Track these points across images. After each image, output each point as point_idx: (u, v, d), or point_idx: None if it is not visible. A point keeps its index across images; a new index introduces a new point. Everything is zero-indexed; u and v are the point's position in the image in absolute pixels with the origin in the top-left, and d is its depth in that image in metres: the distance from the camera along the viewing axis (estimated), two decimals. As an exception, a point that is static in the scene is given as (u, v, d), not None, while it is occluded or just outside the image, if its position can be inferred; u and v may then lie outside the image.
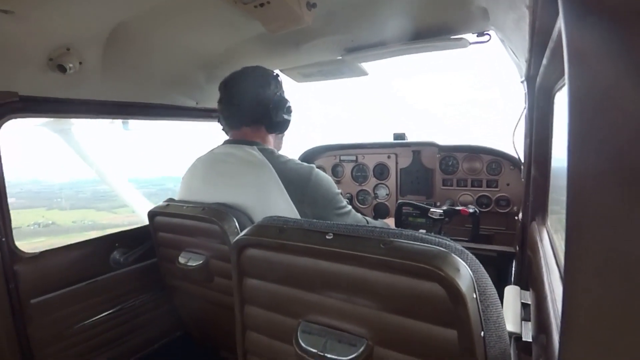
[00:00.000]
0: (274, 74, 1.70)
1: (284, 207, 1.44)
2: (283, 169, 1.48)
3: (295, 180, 1.47)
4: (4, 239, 1.51)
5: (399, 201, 2.30)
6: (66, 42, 1.46)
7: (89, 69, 1.59)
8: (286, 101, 1.65)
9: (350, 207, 1.61)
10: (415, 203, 2.28)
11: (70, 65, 1.48)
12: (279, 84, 1.68)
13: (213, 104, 1.72)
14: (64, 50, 1.46)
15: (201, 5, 1.47)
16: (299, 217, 1.45)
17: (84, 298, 1.75)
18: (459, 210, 2.12)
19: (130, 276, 1.92)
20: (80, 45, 1.50)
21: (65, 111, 1.75)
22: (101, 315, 1.81)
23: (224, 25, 1.67)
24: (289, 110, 1.67)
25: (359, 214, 1.67)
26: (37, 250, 1.63)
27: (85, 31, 1.46)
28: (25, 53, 1.41)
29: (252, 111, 1.60)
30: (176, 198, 1.73)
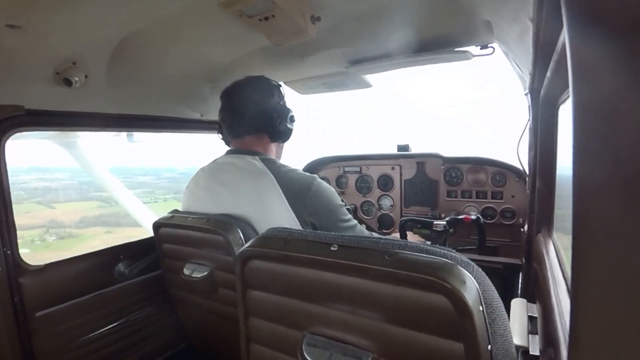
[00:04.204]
0: (277, 83, 1.71)
1: (284, 216, 1.44)
2: (284, 178, 1.48)
3: (296, 189, 1.47)
4: (9, 252, 1.52)
5: (402, 218, 2.29)
6: (72, 56, 1.47)
7: (94, 83, 1.60)
8: (289, 110, 1.66)
9: (355, 221, 1.59)
10: (419, 218, 2.26)
11: (76, 78, 1.49)
12: (281, 93, 1.69)
13: (217, 116, 1.73)
14: (70, 64, 1.48)
15: (206, 19, 1.48)
16: (299, 227, 1.45)
17: (88, 311, 1.74)
18: (462, 218, 2.12)
19: (134, 288, 1.92)
20: (86, 59, 1.52)
21: (71, 124, 1.77)
22: (106, 327, 1.81)
23: (229, 38, 1.69)
24: (292, 119, 1.67)
25: (365, 230, 1.64)
26: (42, 263, 1.63)
27: (91, 45, 1.48)
28: (32, 67, 1.43)
29: (254, 120, 1.61)
30: (180, 208, 1.73)
